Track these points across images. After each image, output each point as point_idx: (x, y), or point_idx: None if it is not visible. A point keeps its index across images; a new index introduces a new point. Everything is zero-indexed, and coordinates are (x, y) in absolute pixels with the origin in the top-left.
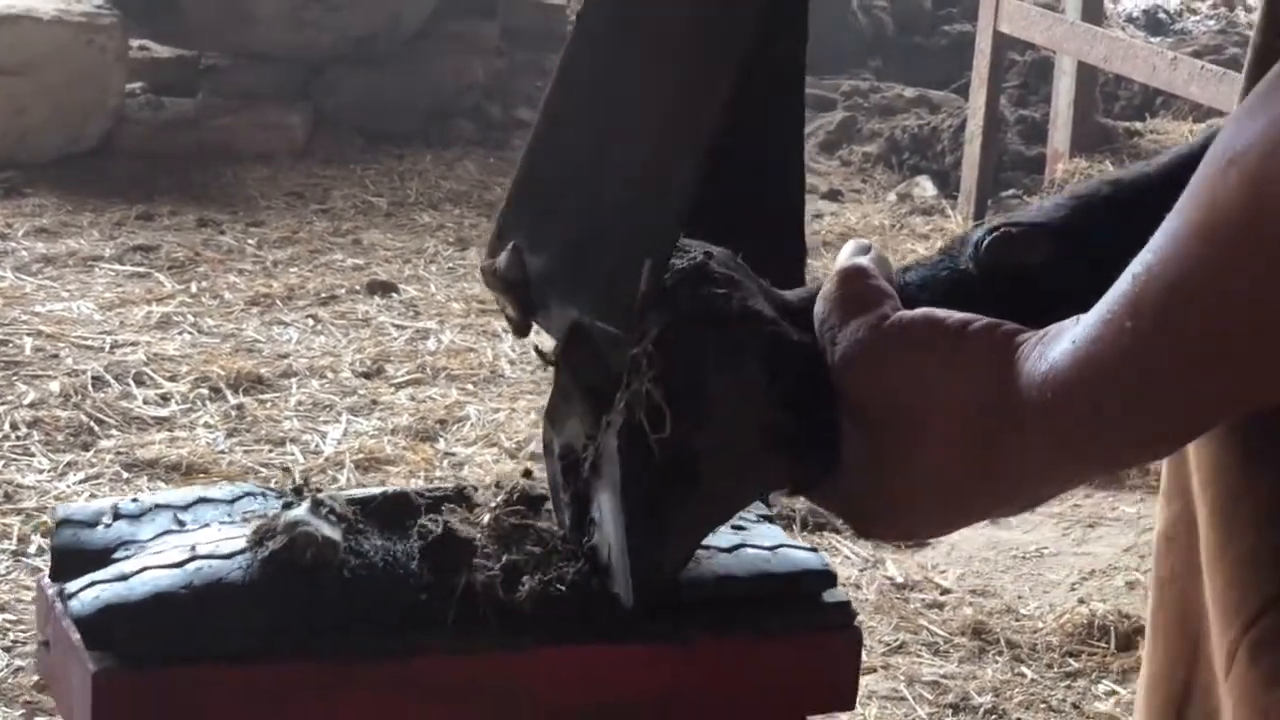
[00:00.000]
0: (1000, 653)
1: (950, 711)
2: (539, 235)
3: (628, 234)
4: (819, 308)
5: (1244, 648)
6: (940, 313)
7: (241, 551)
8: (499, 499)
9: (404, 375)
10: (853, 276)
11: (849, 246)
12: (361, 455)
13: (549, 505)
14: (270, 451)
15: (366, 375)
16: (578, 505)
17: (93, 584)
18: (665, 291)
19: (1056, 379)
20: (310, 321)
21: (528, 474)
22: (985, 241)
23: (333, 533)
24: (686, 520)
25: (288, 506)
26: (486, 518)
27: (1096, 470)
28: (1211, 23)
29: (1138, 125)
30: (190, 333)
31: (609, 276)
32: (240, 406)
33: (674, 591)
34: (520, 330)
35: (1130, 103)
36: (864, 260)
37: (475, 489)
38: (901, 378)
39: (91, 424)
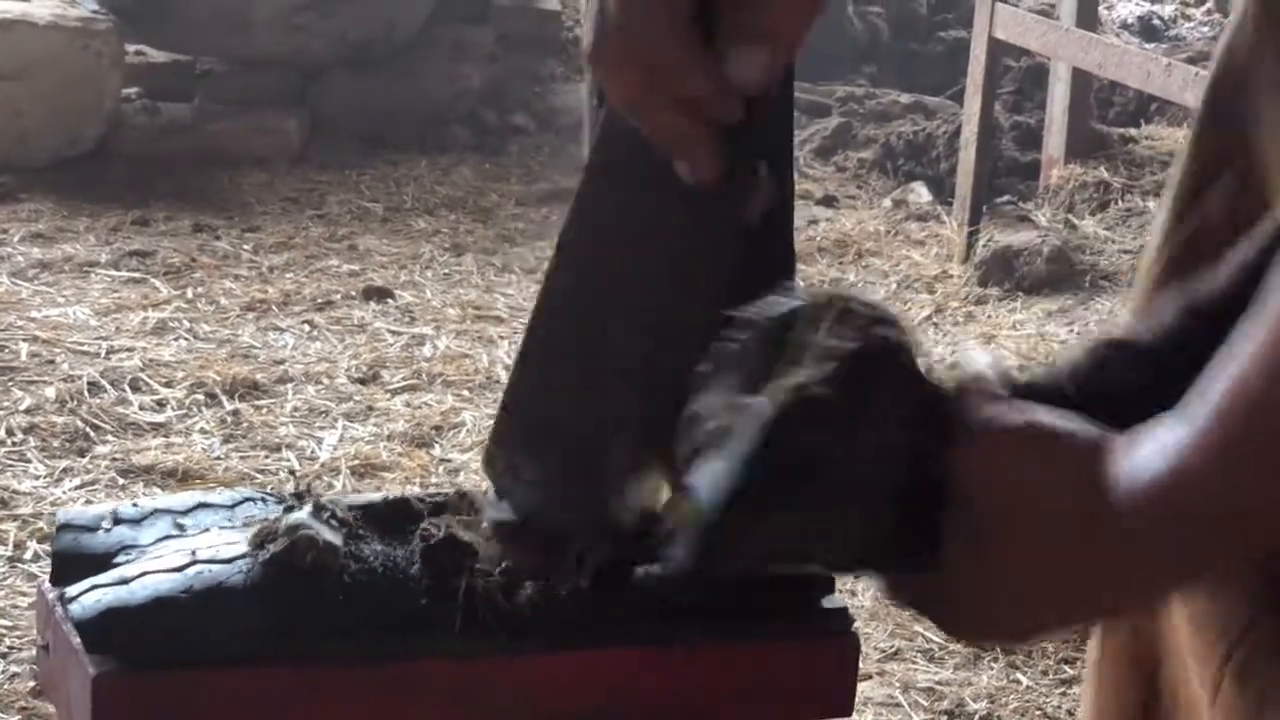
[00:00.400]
0: (995, 659)
1: (945, 718)
2: (534, 447)
3: (625, 432)
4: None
5: (1230, 673)
6: (1045, 416)
7: (242, 556)
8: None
9: (400, 381)
10: (981, 379)
11: (978, 355)
12: (357, 461)
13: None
14: (266, 457)
15: (362, 381)
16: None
17: (93, 588)
18: (862, 321)
19: (1149, 483)
20: (306, 327)
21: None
22: (1083, 363)
23: (334, 537)
24: (779, 518)
25: (289, 510)
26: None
27: (1187, 581)
28: (1205, 29)
29: (1132, 131)
30: (186, 338)
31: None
32: (236, 412)
33: (720, 580)
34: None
35: (1125, 109)
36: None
37: (475, 493)
38: (1010, 469)
39: (87, 430)
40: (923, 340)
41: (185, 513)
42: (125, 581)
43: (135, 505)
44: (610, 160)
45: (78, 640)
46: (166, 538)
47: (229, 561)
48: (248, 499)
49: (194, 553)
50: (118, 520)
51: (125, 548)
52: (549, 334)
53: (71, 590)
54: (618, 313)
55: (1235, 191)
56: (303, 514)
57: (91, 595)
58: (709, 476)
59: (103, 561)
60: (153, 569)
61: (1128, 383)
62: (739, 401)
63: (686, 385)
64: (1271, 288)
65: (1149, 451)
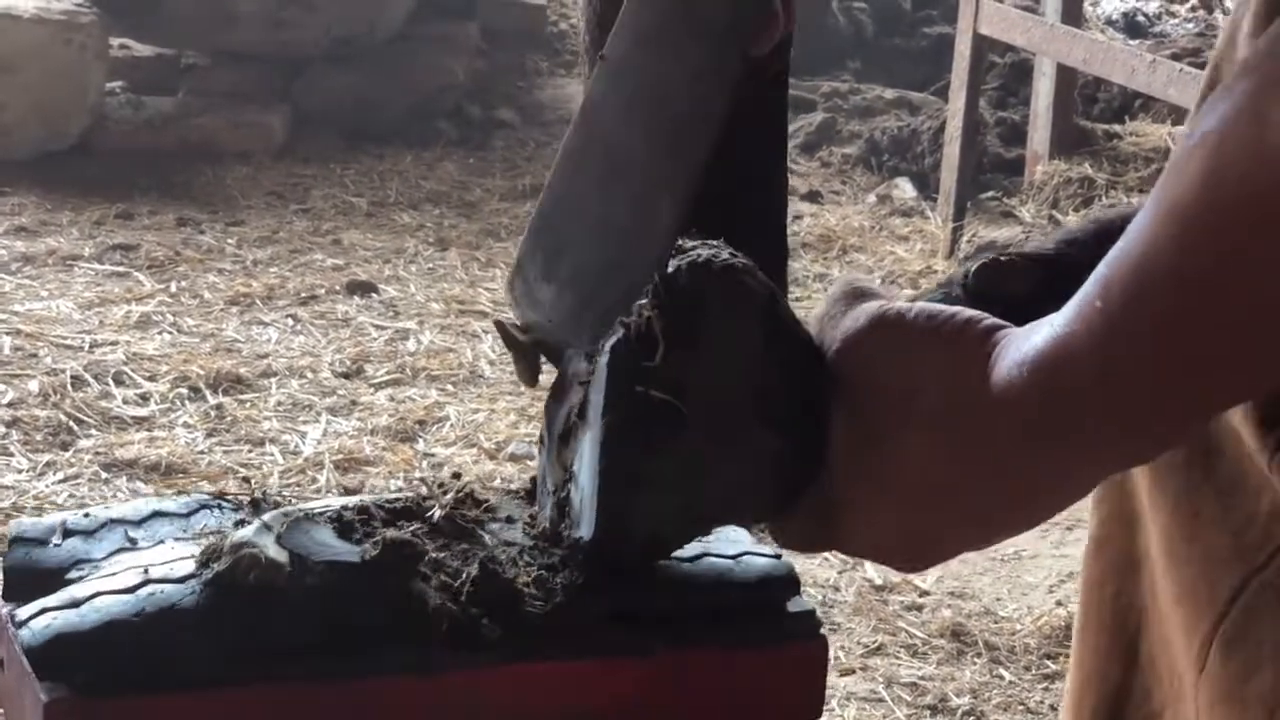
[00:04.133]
0: (979, 654)
1: (929, 713)
2: (550, 268)
3: (620, 266)
4: (821, 307)
5: (1216, 643)
6: (935, 305)
7: (194, 575)
8: (448, 497)
9: (383, 376)
10: (856, 279)
11: (847, 274)
12: (341, 456)
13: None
14: (249, 452)
15: (346, 375)
16: (561, 471)
17: (43, 611)
18: (682, 252)
19: (1033, 359)
20: (290, 321)
21: (457, 475)
22: (974, 270)
23: (278, 554)
24: (664, 470)
25: (239, 524)
26: (437, 513)
27: (1082, 467)
28: (1190, 26)
29: (1117, 127)
30: (170, 332)
31: (607, 305)
32: (220, 406)
33: (635, 557)
34: (529, 378)
35: (1109, 105)
36: (866, 277)
37: (428, 497)
38: (892, 360)
39: (70, 424)
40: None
41: (139, 523)
42: (76, 604)
43: (88, 516)
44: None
45: (29, 665)
46: (120, 550)
47: (181, 581)
48: (204, 506)
49: (147, 570)
50: (69, 533)
51: (79, 562)
52: (572, 150)
53: (21, 613)
54: (637, 122)
55: None
56: (249, 530)
57: (41, 620)
58: (586, 453)
59: (55, 576)
60: (105, 589)
61: (1020, 294)
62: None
63: (670, 237)
64: (1159, 187)
65: (1034, 334)
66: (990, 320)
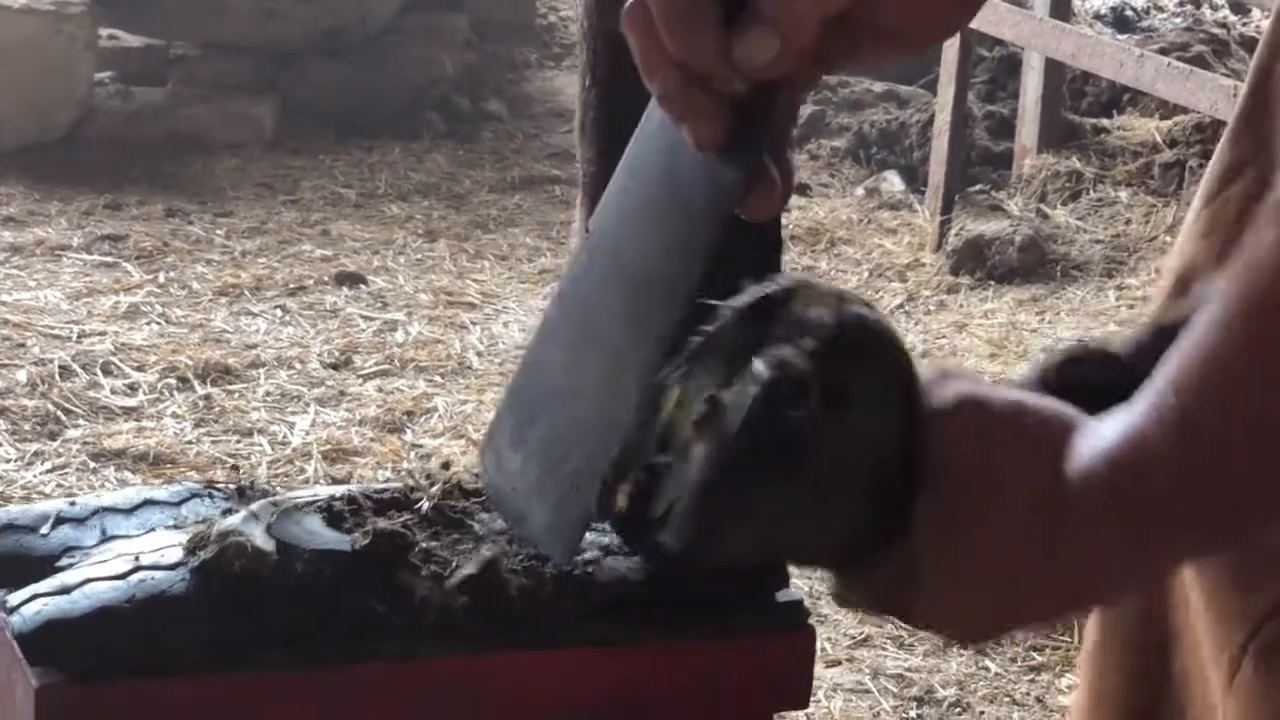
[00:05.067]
0: (964, 646)
1: (915, 704)
2: (519, 436)
3: (583, 438)
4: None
5: (1251, 653)
6: (1020, 392)
7: (184, 562)
8: (435, 488)
9: (372, 366)
10: (950, 362)
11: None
12: (329, 446)
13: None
14: (238, 442)
15: (334, 366)
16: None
17: (35, 597)
18: (841, 301)
19: (1106, 455)
20: (278, 312)
21: (446, 465)
22: (1059, 362)
23: (265, 543)
24: (764, 504)
25: (226, 513)
26: (425, 504)
27: (1152, 561)
28: (1178, 20)
29: (1105, 121)
30: (158, 323)
31: (565, 474)
32: (208, 397)
33: (699, 571)
34: None
35: (1098, 99)
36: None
37: (417, 488)
38: (978, 443)
39: (58, 413)
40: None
41: (130, 511)
42: (67, 590)
43: (78, 504)
44: (641, 151)
45: (20, 650)
46: (112, 538)
47: (172, 568)
48: (195, 495)
49: (137, 558)
50: (60, 520)
51: (69, 549)
52: (550, 319)
53: (13, 599)
54: (610, 291)
55: (1253, 190)
56: (236, 519)
57: (32, 606)
58: (694, 461)
59: (47, 563)
60: (96, 575)
61: (1099, 386)
62: (722, 388)
63: (631, 423)
64: (1227, 279)
65: (1108, 427)
66: (1073, 411)
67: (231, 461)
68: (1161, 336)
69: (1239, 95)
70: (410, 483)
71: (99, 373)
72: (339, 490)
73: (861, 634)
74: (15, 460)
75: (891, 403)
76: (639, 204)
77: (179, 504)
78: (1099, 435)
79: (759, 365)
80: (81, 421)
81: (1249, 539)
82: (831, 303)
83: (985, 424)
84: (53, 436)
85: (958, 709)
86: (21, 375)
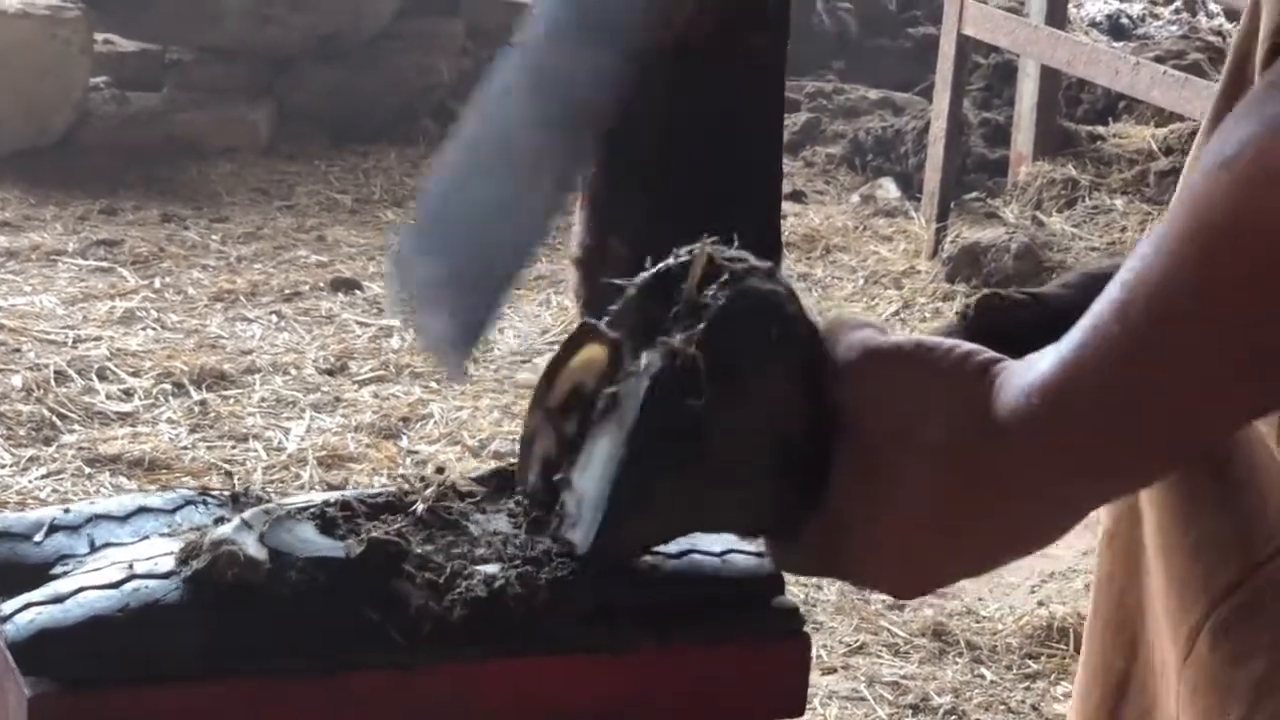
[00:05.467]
0: (960, 654)
1: (910, 712)
2: (427, 241)
3: (496, 244)
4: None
5: (1207, 630)
6: (930, 338)
7: (177, 571)
8: (430, 491)
9: (367, 372)
10: (849, 314)
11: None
12: (324, 452)
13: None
14: (233, 448)
15: (330, 372)
16: (560, 458)
17: (28, 606)
18: (733, 276)
19: (1043, 385)
20: (274, 318)
21: (441, 470)
22: (975, 302)
23: (257, 552)
24: (672, 494)
25: (218, 521)
26: (420, 507)
27: (1085, 491)
28: (1174, 28)
29: (1100, 129)
30: (153, 328)
31: (473, 279)
32: (203, 403)
33: (625, 561)
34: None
35: (1093, 107)
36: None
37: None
38: (889, 391)
39: (54, 419)
40: (798, 290)
41: (124, 519)
42: (60, 599)
43: (72, 512)
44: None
45: (13, 659)
46: (106, 546)
47: (166, 576)
48: (189, 502)
49: (131, 565)
50: (54, 528)
51: (63, 557)
52: (472, 131)
53: (5, 608)
54: (528, 105)
55: None
56: (228, 528)
57: (25, 615)
58: (597, 457)
59: (40, 571)
60: (89, 584)
61: (1023, 327)
62: (621, 377)
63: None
64: (1181, 188)
65: (1041, 361)
66: (988, 353)
67: (226, 467)
68: (1091, 278)
69: (1220, 77)
70: (405, 486)
71: (94, 378)
72: (333, 496)
73: (857, 641)
74: (10, 465)
75: (791, 374)
76: (566, 21)
77: (173, 511)
78: (1029, 369)
79: (649, 356)
80: (77, 427)
81: (1177, 465)
82: (724, 277)
83: (889, 372)
84: (48, 442)
85: (953, 716)
86: (17, 380)
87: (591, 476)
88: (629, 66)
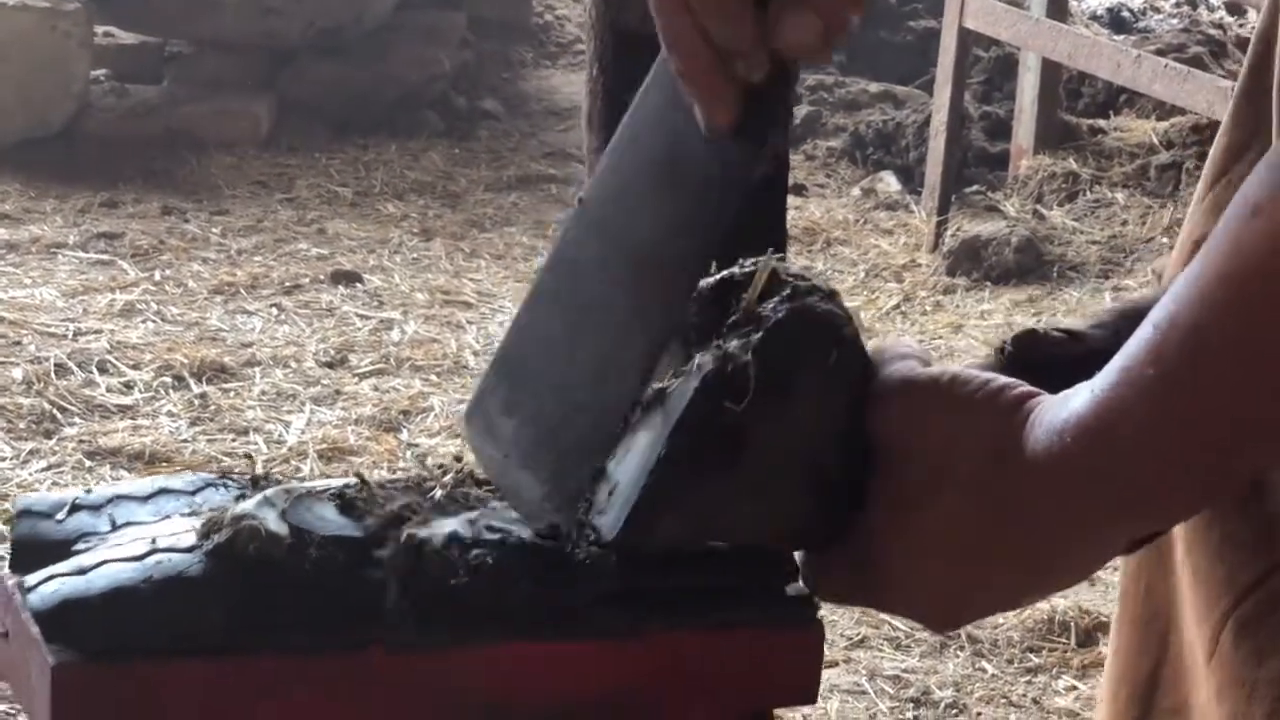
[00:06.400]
0: (961, 648)
1: (911, 706)
2: (512, 403)
3: (584, 408)
4: None
5: (1229, 628)
6: (967, 370)
7: (200, 545)
8: (448, 477)
9: (368, 365)
10: (894, 341)
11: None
12: (325, 445)
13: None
14: (234, 441)
15: (330, 365)
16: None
17: (51, 577)
18: (795, 292)
19: (1077, 423)
20: (274, 311)
21: (458, 458)
22: (1013, 338)
23: (278, 527)
24: (703, 497)
25: (240, 498)
26: (439, 492)
27: (1116, 528)
28: (1175, 21)
29: (1101, 122)
30: (154, 321)
31: (566, 445)
32: (204, 395)
33: (649, 554)
34: None
35: (1094, 100)
36: (902, 341)
37: (430, 478)
38: (926, 423)
39: (54, 411)
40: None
41: (146, 499)
42: (84, 571)
43: (94, 491)
44: (638, 124)
45: (36, 629)
46: (127, 524)
47: (189, 550)
48: (210, 484)
49: (154, 540)
50: (77, 507)
51: (85, 535)
52: (544, 290)
53: (30, 579)
54: (612, 269)
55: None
56: (250, 503)
57: (50, 585)
58: (636, 450)
59: (63, 548)
60: (112, 557)
61: (1060, 363)
62: (670, 376)
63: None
64: (1216, 230)
65: (1075, 398)
66: (1024, 387)
67: (227, 461)
68: (1125, 316)
69: (1240, 74)
70: (423, 473)
71: (95, 371)
72: (353, 479)
73: (858, 635)
74: (11, 458)
75: (838, 395)
76: (640, 182)
77: (194, 493)
78: (1063, 406)
79: (702, 358)
80: (77, 419)
81: (1210, 501)
82: (786, 292)
83: (926, 404)
84: (48, 434)
85: (954, 710)
86: (17, 373)
87: (628, 468)
88: (709, 226)
